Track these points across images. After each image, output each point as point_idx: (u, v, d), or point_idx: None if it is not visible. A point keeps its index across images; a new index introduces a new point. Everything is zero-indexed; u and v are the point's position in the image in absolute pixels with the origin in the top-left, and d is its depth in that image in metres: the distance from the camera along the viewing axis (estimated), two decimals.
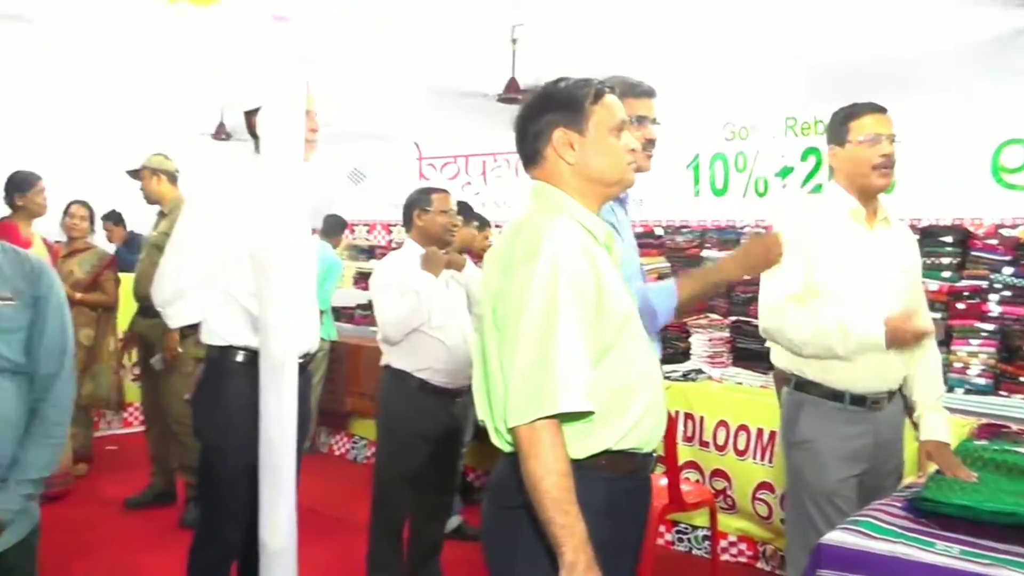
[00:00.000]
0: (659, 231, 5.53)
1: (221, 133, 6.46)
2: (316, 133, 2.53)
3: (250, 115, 2.57)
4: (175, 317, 2.75)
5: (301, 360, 2.34)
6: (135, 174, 4.75)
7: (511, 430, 1.65)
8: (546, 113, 1.82)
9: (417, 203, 3.60)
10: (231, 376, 2.60)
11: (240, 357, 2.60)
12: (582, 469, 1.64)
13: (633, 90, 2.33)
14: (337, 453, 6.32)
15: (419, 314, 3.41)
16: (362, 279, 6.91)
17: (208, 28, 4.40)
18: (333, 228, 6.84)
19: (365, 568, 3.52)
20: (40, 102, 6.51)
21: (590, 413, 1.65)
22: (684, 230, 5.44)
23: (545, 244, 1.67)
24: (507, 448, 1.75)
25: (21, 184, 4.73)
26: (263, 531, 1.88)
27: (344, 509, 4.74)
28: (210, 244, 2.59)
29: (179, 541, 4.29)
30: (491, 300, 1.75)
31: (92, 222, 5.42)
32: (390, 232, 7.34)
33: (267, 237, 1.77)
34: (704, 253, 5.23)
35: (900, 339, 2.46)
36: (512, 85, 4.23)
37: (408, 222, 3.63)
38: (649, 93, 2.47)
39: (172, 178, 4.74)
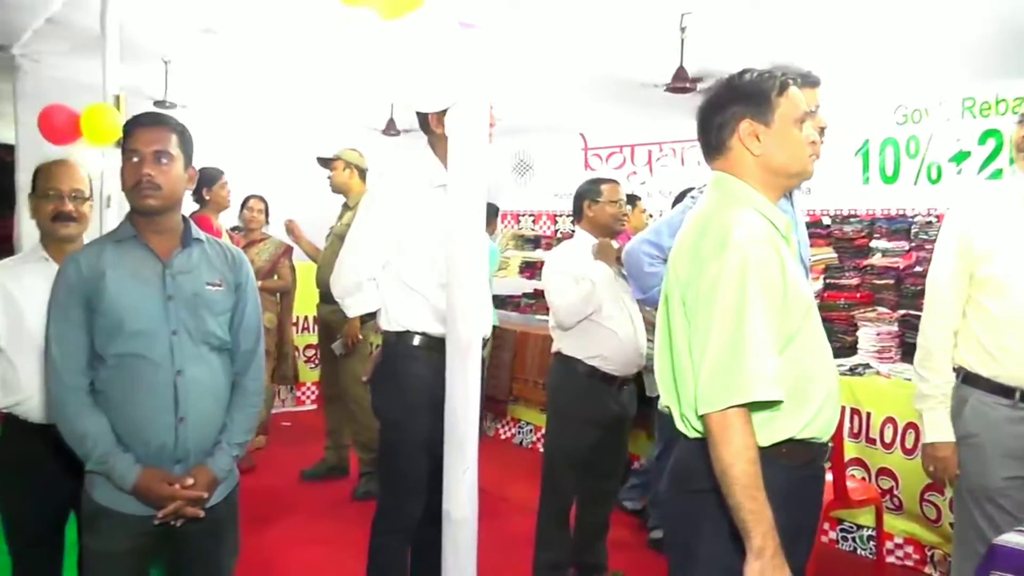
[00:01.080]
0: (826, 220, 5.37)
1: (391, 129, 6.71)
2: (493, 128, 2.65)
3: (428, 114, 2.65)
4: (354, 307, 2.89)
5: None
6: (326, 163, 5.04)
7: (701, 417, 1.71)
8: (732, 105, 1.86)
9: (587, 194, 3.67)
10: (408, 359, 2.75)
11: (416, 341, 2.74)
12: (764, 457, 1.68)
13: (803, 80, 2.32)
14: (503, 437, 6.43)
15: (592, 302, 3.48)
16: (527, 268, 7.01)
17: (380, 31, 4.62)
18: (487, 216, 7.00)
19: (533, 546, 3.64)
20: (221, 104, 7.00)
21: (778, 402, 1.69)
22: (852, 219, 5.28)
23: (734, 236, 1.71)
24: (692, 434, 1.81)
25: (208, 179, 5.11)
26: (447, 502, 2.00)
27: (511, 490, 4.88)
28: (386, 236, 2.73)
29: (352, 511, 4.63)
30: (680, 291, 1.80)
31: (267, 214, 5.80)
32: (555, 222, 7.39)
33: (454, 226, 1.88)
34: (873, 243, 5.06)
35: None
36: (680, 74, 4.19)
37: (578, 213, 3.71)
38: (817, 82, 2.48)
39: (362, 174, 5.03)
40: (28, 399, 2.53)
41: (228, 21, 4.75)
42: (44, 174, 2.62)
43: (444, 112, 2.44)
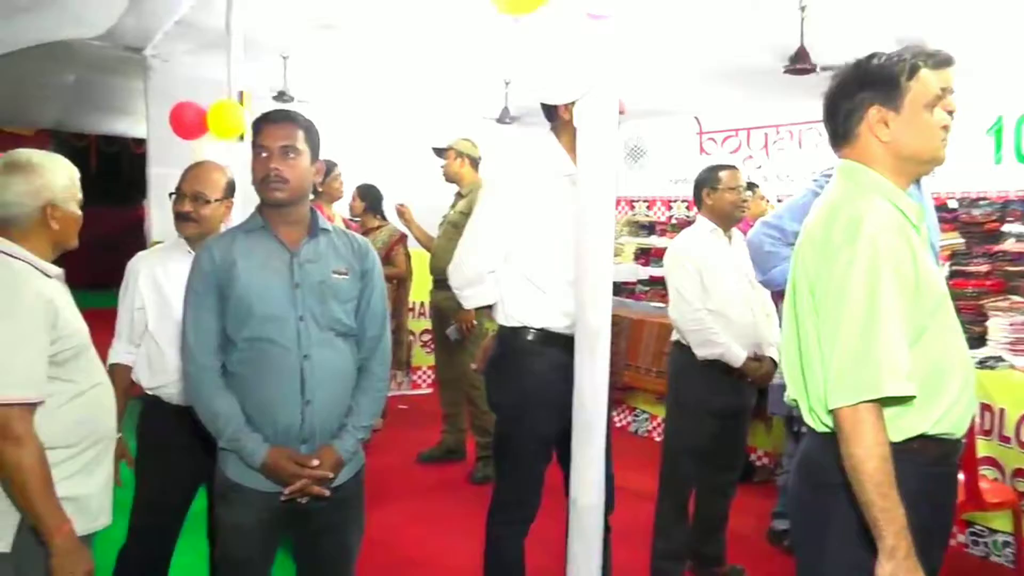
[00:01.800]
0: (952, 203, 5.10)
1: (505, 117, 6.76)
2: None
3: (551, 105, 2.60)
4: (471, 299, 2.85)
5: None
6: (440, 152, 5.14)
7: (831, 412, 1.67)
8: (860, 90, 1.81)
9: (706, 181, 3.62)
10: (524, 354, 2.72)
11: (531, 336, 2.70)
12: (894, 453, 1.63)
13: (934, 61, 2.22)
14: (619, 425, 6.39)
15: (706, 322, 3.44)
16: (642, 255, 6.95)
17: (498, 21, 4.66)
18: None
19: (651, 534, 3.63)
20: (338, 97, 7.18)
21: (911, 397, 1.64)
22: (982, 202, 5.02)
23: (865, 226, 1.67)
24: (821, 428, 1.77)
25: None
26: (574, 488, 2.02)
27: (627, 479, 4.83)
28: (508, 228, 2.69)
29: (469, 494, 4.71)
30: (808, 282, 1.76)
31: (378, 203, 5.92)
32: (670, 208, 7.28)
33: (583, 215, 1.90)
34: (1005, 228, 4.81)
35: None
36: (801, 55, 4.07)
37: (698, 200, 3.66)
38: (949, 62, 2.35)
39: (475, 163, 5.10)
40: (171, 383, 2.68)
41: (345, 16, 4.87)
42: (182, 175, 2.77)
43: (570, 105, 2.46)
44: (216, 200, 2.74)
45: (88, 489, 2.10)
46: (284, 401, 2.19)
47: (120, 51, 6.29)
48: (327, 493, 2.22)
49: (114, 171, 12.40)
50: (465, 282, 2.80)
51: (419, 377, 7.20)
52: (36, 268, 2.06)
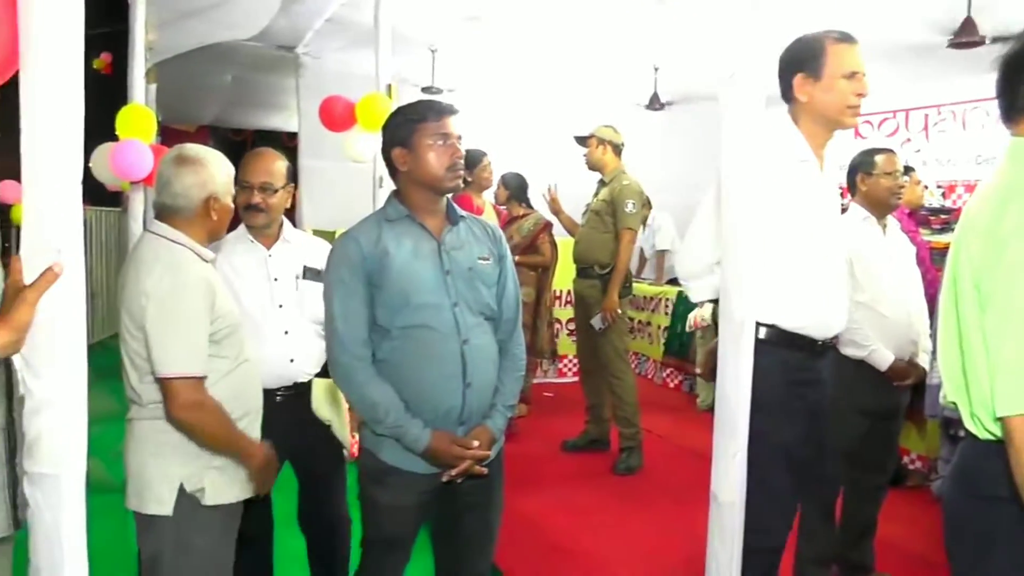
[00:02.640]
0: None
1: (655, 103, 6.65)
2: None
3: (792, 76, 2.44)
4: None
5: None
6: (582, 141, 5.11)
7: (999, 419, 1.54)
8: None
9: (861, 166, 3.43)
10: (759, 354, 2.32)
11: (763, 334, 2.38)
12: None
13: None
14: None
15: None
16: None
17: (646, 6, 4.61)
18: None
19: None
20: (485, 87, 7.26)
21: None
22: None
23: None
24: (985, 435, 1.63)
25: (471, 160, 5.30)
26: (715, 484, 1.97)
27: None
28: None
29: (612, 485, 4.68)
30: (973, 275, 1.61)
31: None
32: None
33: (729, 201, 1.84)
34: None
35: None
36: (967, 27, 3.78)
37: (852, 186, 3.48)
38: None
39: (617, 149, 5.04)
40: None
41: (492, 7, 4.91)
42: (241, 166, 2.79)
43: (811, 75, 2.36)
44: (281, 188, 2.79)
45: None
46: (446, 386, 2.23)
47: (273, 50, 6.61)
48: (486, 472, 2.28)
49: None
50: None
51: (564, 365, 7.21)
52: (196, 253, 2.20)
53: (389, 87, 4.45)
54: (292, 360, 2.75)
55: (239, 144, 12.29)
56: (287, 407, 2.72)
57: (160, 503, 2.11)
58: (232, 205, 2.32)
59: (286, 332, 2.75)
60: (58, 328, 1.41)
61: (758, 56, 1.80)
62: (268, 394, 2.63)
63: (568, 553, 3.80)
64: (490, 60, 6.44)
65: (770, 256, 2.34)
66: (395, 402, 2.20)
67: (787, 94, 2.51)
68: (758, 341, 2.33)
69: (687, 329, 4.92)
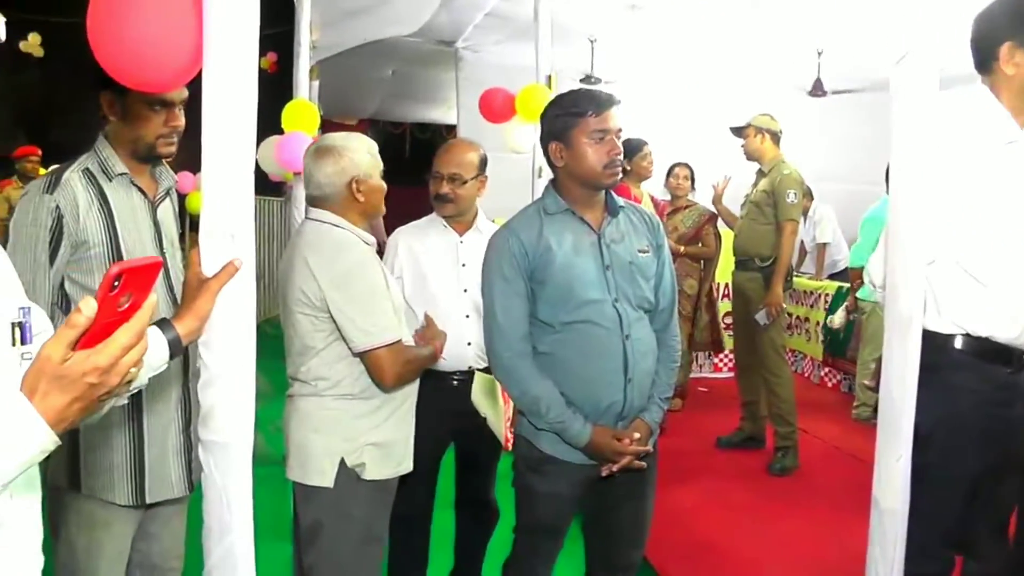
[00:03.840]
0: None
1: (817, 89, 6.39)
2: None
3: (996, 47, 2.12)
4: None
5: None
6: (739, 131, 4.98)
7: None
8: None
9: None
10: (953, 368, 2.15)
11: (962, 344, 2.14)
12: None
13: None
14: None
15: None
16: None
17: None
18: None
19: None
20: (645, 76, 7.18)
21: None
22: None
23: None
24: None
25: (630, 150, 5.25)
26: (876, 489, 1.88)
27: None
28: (942, 211, 2.08)
29: (767, 485, 4.55)
30: None
31: (693, 182, 5.84)
32: None
33: (897, 192, 1.74)
34: None
35: None
36: None
37: None
38: None
39: (775, 138, 4.88)
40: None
41: None
42: (435, 157, 2.91)
43: (1016, 44, 2.09)
44: (471, 179, 2.85)
45: (396, 436, 2.32)
46: (609, 381, 2.23)
47: (433, 45, 6.79)
48: (645, 466, 2.28)
49: (426, 156, 13.37)
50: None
51: (720, 360, 7.05)
52: (358, 237, 2.29)
53: (549, 78, 4.49)
54: (469, 343, 2.83)
55: (398, 137, 12.72)
56: (460, 391, 2.81)
57: (322, 475, 2.22)
58: (381, 183, 2.36)
59: (467, 316, 2.84)
60: (231, 307, 1.51)
61: (932, 35, 1.68)
62: (444, 377, 2.78)
63: (720, 552, 3.72)
64: (649, 48, 6.36)
65: (971, 254, 2.10)
66: (556, 398, 2.21)
67: (987, 65, 2.16)
68: (955, 352, 2.14)
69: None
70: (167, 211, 2.18)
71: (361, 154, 2.31)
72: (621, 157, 2.26)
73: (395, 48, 6.64)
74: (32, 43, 10.03)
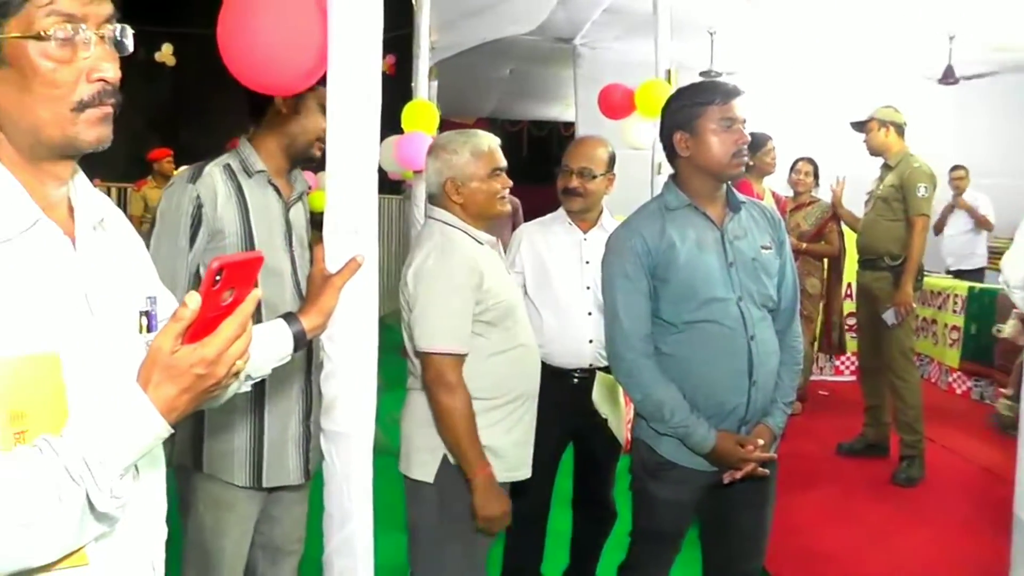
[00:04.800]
0: None
1: (948, 77, 6.08)
2: None
3: None
4: None
5: None
6: (860, 126, 4.80)
7: None
8: None
9: None
10: None
11: None
12: None
13: None
14: None
15: None
16: None
17: None
18: None
19: None
20: (766, 69, 7.00)
21: None
22: None
23: None
24: None
25: (754, 145, 5.12)
26: (1018, 503, 1.77)
27: None
28: None
29: (891, 496, 4.37)
30: None
31: (817, 177, 5.66)
32: None
33: None
34: None
35: None
36: None
37: None
38: None
39: (899, 130, 4.68)
40: (549, 344, 2.78)
41: None
42: (567, 151, 2.91)
43: None
44: (601, 174, 2.84)
45: (505, 441, 2.26)
46: (733, 383, 2.19)
47: (551, 43, 6.81)
48: (767, 473, 2.22)
49: (544, 153, 13.43)
50: (1020, 282, 2.33)
51: (842, 363, 6.81)
52: (471, 236, 2.27)
53: (668, 73, 4.43)
54: (591, 341, 2.82)
55: (515, 135, 12.81)
56: (580, 390, 2.80)
57: (424, 469, 2.23)
58: (487, 187, 2.27)
59: (589, 313, 2.84)
60: (354, 301, 1.56)
61: None
62: (565, 375, 2.77)
63: (841, 564, 3.59)
64: (770, 40, 6.21)
65: None
66: (680, 402, 2.17)
67: None
68: None
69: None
70: (299, 213, 2.24)
71: (459, 155, 2.26)
72: (747, 148, 2.21)
73: (513, 46, 6.68)
74: (165, 53, 10.66)
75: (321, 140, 2.11)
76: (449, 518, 2.22)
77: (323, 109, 2.08)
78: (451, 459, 2.20)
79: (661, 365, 2.20)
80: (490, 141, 2.31)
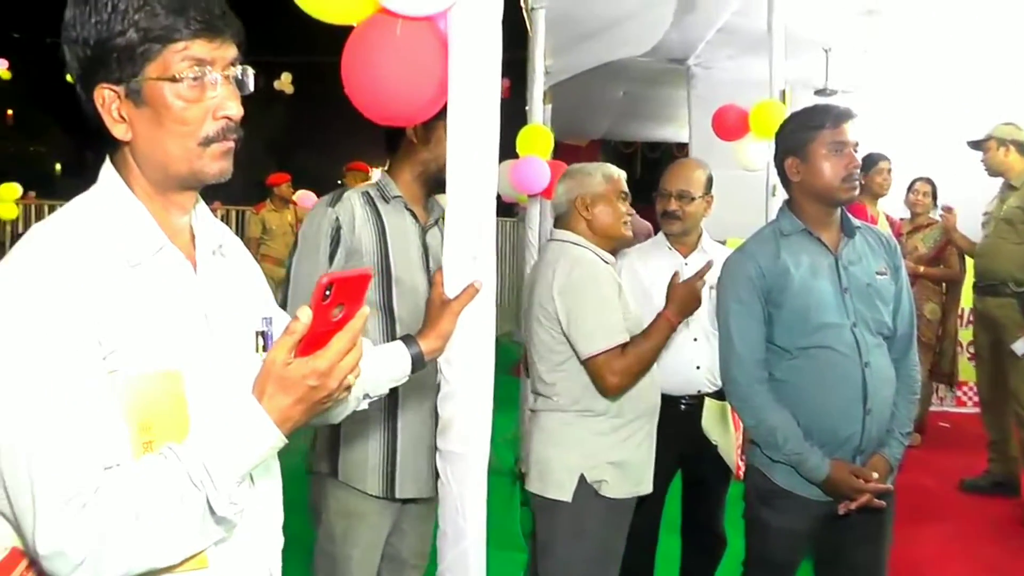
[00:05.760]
0: None
1: None
2: None
3: None
4: None
5: None
6: (977, 145, 4.61)
7: None
8: None
9: None
10: None
11: None
12: None
13: None
14: None
15: None
16: None
17: None
18: None
19: None
20: (884, 86, 6.78)
21: None
22: None
23: None
24: None
25: (866, 164, 4.96)
26: None
27: None
28: None
29: (1018, 537, 4.09)
30: None
31: (935, 198, 5.45)
32: None
33: None
34: None
35: None
36: None
37: None
38: None
39: (1020, 149, 4.47)
40: (656, 371, 2.76)
41: (891, 2, 4.61)
42: (665, 174, 2.94)
43: None
44: (699, 196, 2.84)
45: (630, 456, 2.34)
46: (847, 411, 2.16)
47: (664, 64, 6.78)
48: (884, 505, 2.18)
49: (657, 174, 13.28)
50: None
51: (964, 393, 6.50)
52: (594, 254, 2.38)
53: (783, 92, 4.36)
54: (698, 367, 2.82)
55: (628, 156, 12.77)
56: (688, 417, 2.79)
57: (560, 489, 2.29)
58: (613, 208, 2.42)
59: (695, 339, 2.83)
60: (472, 325, 1.60)
61: None
62: (673, 401, 2.74)
63: None
64: (887, 56, 6.02)
65: None
66: (794, 429, 2.16)
67: None
68: None
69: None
70: (435, 237, 2.31)
71: (592, 176, 2.43)
72: (859, 172, 2.19)
73: (626, 68, 6.68)
74: (284, 81, 11.12)
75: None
76: (584, 537, 2.28)
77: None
78: (588, 478, 2.26)
79: (775, 391, 2.19)
80: (620, 172, 2.48)
